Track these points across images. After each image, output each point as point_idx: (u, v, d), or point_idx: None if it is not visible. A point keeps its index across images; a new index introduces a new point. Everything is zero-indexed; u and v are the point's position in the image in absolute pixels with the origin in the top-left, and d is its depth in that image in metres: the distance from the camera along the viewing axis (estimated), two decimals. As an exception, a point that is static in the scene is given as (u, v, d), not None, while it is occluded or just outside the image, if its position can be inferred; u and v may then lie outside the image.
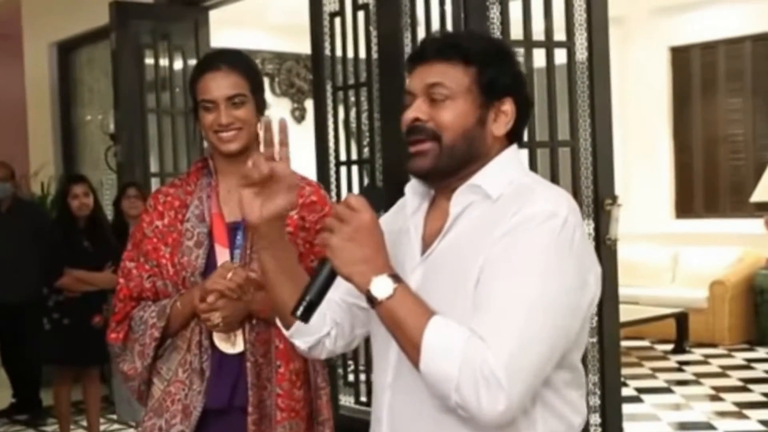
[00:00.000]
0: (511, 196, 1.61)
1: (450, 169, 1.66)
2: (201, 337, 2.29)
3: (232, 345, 2.29)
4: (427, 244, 1.69)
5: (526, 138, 4.06)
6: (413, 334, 1.51)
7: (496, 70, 1.66)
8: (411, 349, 1.52)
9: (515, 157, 1.71)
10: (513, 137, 1.72)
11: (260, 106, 2.36)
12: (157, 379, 2.34)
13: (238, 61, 2.35)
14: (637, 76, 8.90)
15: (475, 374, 1.44)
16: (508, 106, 1.68)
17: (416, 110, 1.66)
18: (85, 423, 5.77)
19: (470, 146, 1.65)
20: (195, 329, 2.29)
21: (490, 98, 1.66)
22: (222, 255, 2.30)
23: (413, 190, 1.76)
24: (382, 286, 1.53)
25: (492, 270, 1.53)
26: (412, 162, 1.67)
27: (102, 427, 5.72)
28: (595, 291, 1.61)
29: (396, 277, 1.55)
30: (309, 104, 9.59)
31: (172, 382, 2.31)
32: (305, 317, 1.60)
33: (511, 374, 1.44)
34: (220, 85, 2.28)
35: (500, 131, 1.68)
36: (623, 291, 4.47)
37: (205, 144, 2.44)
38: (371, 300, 1.55)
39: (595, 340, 4.29)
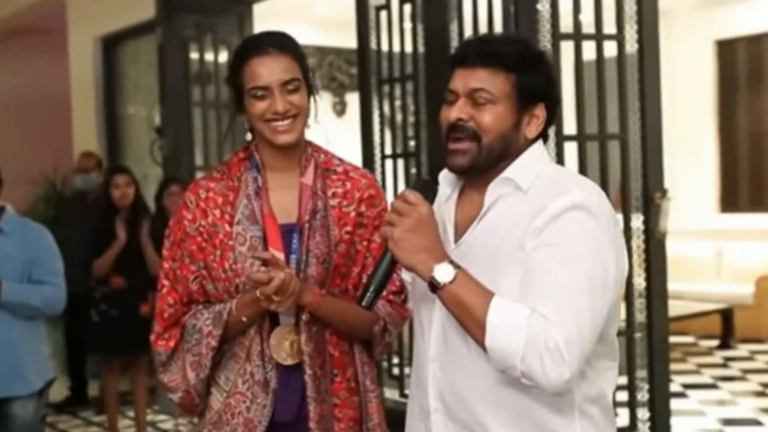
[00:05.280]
0: (541, 187, 1.77)
1: (486, 167, 1.80)
2: (263, 346, 2.12)
3: (288, 355, 2.12)
4: (459, 232, 1.85)
5: (575, 131, 4.08)
6: (477, 313, 1.65)
7: (533, 77, 1.80)
8: (475, 328, 1.66)
9: (542, 151, 1.86)
10: (540, 135, 1.87)
11: (312, 91, 2.16)
12: (215, 390, 2.18)
13: (287, 43, 2.13)
14: (683, 69, 8.79)
15: (539, 348, 1.59)
16: (540, 111, 1.83)
17: (459, 110, 1.79)
18: (132, 413, 5.84)
19: (506, 147, 1.80)
20: (255, 338, 2.12)
21: (525, 104, 1.80)
22: None
23: (444, 179, 1.90)
24: (444, 272, 1.67)
25: (541, 256, 1.67)
26: (451, 158, 1.82)
27: (148, 418, 5.78)
28: (624, 270, 1.77)
29: (455, 263, 1.69)
30: (350, 98, 9.63)
31: (232, 394, 2.14)
32: (371, 305, 1.79)
33: (572, 348, 1.60)
34: (273, 69, 2.07)
35: (532, 134, 1.83)
36: (668, 286, 4.42)
37: (248, 136, 2.23)
38: (434, 285, 1.68)
39: (643, 334, 4.26)
